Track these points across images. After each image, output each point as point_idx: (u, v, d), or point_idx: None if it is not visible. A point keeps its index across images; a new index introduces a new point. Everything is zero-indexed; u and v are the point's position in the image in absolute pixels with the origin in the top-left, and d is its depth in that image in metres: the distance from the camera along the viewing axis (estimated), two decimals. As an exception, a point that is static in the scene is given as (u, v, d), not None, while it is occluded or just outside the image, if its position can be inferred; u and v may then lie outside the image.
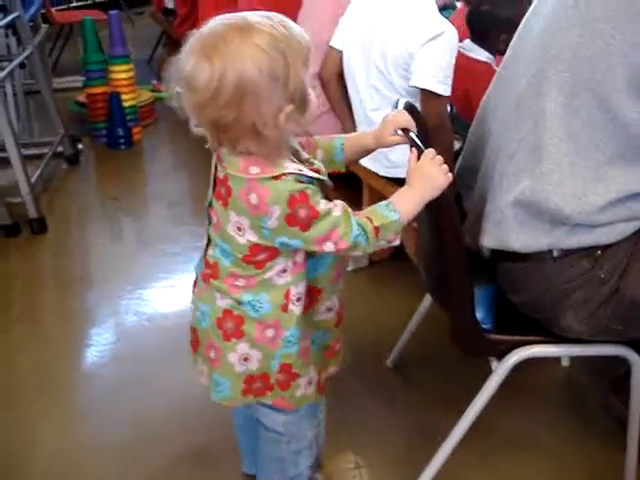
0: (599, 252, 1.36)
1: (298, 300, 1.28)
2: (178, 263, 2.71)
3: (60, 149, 3.57)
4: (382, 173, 2.25)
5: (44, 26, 4.48)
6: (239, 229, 1.21)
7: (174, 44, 4.84)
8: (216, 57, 1.09)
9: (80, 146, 3.76)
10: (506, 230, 1.39)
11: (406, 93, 2.07)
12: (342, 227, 1.20)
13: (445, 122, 2.10)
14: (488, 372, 1.49)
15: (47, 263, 2.84)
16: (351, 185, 2.38)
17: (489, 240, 1.43)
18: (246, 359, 1.30)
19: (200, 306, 1.34)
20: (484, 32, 2.35)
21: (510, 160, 1.41)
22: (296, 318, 1.29)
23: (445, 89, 2.00)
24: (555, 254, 1.38)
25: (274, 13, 1.14)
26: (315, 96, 1.18)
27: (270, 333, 1.29)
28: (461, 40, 2.22)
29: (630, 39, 1.24)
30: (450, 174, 1.26)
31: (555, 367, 2.06)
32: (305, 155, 1.29)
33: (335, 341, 1.43)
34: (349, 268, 2.56)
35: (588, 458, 1.73)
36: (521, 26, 1.50)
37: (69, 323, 2.40)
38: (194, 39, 1.13)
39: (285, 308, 1.28)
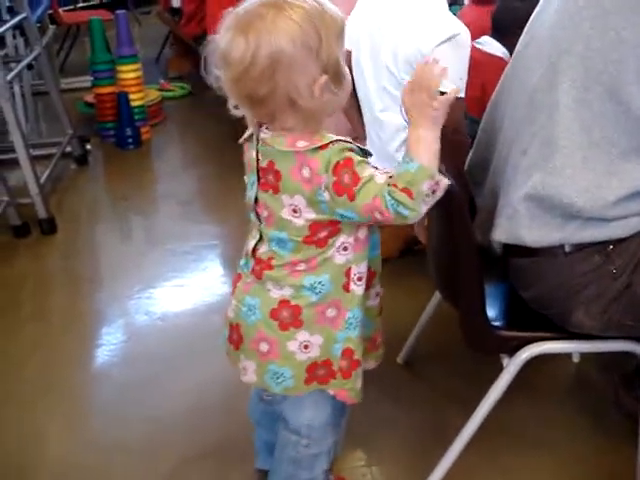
0: (611, 247, 1.35)
1: (360, 279, 1.27)
2: (188, 262, 2.71)
3: (69, 149, 3.58)
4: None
5: (51, 27, 4.50)
6: (294, 211, 1.21)
7: (181, 43, 4.86)
8: (250, 31, 1.12)
9: (88, 146, 3.77)
10: (517, 224, 1.39)
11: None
12: (384, 196, 1.15)
13: (460, 125, 2.09)
14: (499, 369, 1.48)
15: (57, 263, 2.84)
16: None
17: (500, 234, 1.42)
18: (306, 347, 1.29)
19: (248, 300, 1.31)
20: (506, 27, 2.33)
21: (523, 155, 1.40)
22: (358, 299, 1.28)
23: (460, 90, 1.99)
24: (567, 249, 1.37)
25: None
26: None
27: (331, 313, 1.28)
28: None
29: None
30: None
31: (565, 362, 2.05)
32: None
33: (377, 332, 1.42)
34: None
35: (599, 454, 1.72)
36: (531, 20, 1.49)
37: (79, 323, 2.40)
38: (230, 17, 1.15)
39: (347, 287, 1.27)
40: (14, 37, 3.39)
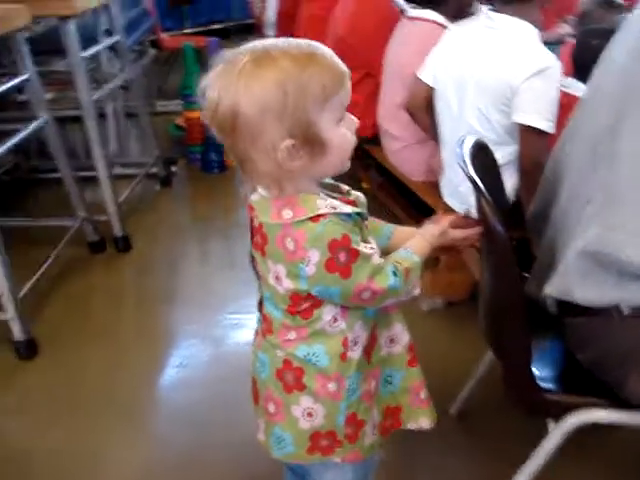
0: None
1: (356, 344, 1.21)
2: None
3: (155, 170, 3.67)
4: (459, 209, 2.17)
5: (152, 50, 4.66)
6: (277, 278, 1.15)
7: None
8: (223, 79, 1.05)
9: (174, 168, 3.86)
10: (570, 280, 1.29)
11: (503, 130, 1.98)
12: (379, 274, 1.13)
13: (543, 161, 2.00)
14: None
15: (129, 281, 2.91)
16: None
17: (551, 289, 1.33)
18: (310, 414, 1.23)
19: (260, 355, 1.28)
20: (585, 67, 2.23)
21: (583, 207, 1.31)
22: (355, 363, 1.21)
23: (550, 126, 1.90)
24: (626, 312, 1.26)
25: (311, 42, 1.07)
26: (350, 134, 1.11)
27: (332, 387, 1.21)
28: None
29: None
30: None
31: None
32: (345, 188, 1.22)
33: (416, 384, 1.33)
34: (424, 308, 2.48)
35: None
36: (601, 61, 1.40)
37: (145, 342, 2.43)
38: (222, 55, 1.08)
39: (344, 357, 1.20)
40: (109, 59, 3.51)
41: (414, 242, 1.26)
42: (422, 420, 1.35)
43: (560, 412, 1.33)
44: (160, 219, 3.45)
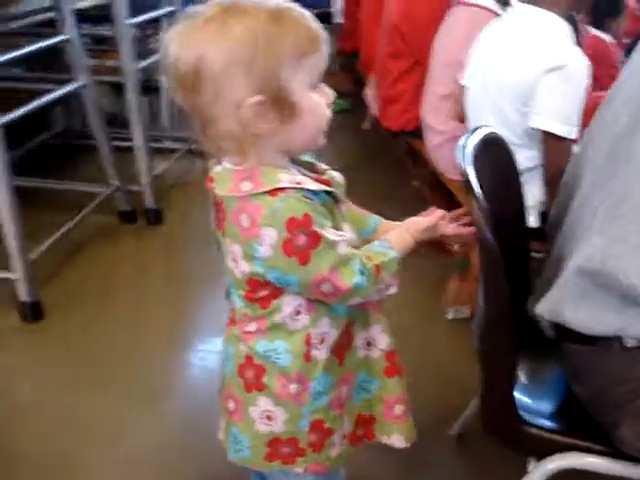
0: None
1: (322, 342, 1.08)
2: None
3: (196, 146, 3.60)
4: None
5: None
6: (234, 260, 1.03)
7: (343, 59, 4.79)
8: (188, 34, 0.95)
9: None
10: (564, 301, 1.12)
11: (522, 131, 1.79)
12: (344, 267, 1.00)
13: None
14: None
15: (155, 254, 2.85)
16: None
17: (542, 309, 1.16)
18: (269, 417, 1.11)
19: (225, 347, 1.17)
20: None
21: (592, 216, 1.14)
22: (322, 364, 1.08)
23: (569, 131, 1.70)
24: (627, 342, 1.09)
25: (289, 2, 0.97)
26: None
27: (294, 389, 1.09)
28: None
29: None
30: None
31: None
32: (323, 167, 1.11)
33: (392, 397, 1.19)
34: (449, 316, 2.32)
35: None
36: (629, 62, 1.22)
37: (164, 318, 2.37)
38: (187, 13, 0.98)
39: (307, 356, 1.07)
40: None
41: (394, 234, 1.13)
42: (395, 437, 1.22)
43: (542, 451, 1.17)
44: (195, 195, 3.35)
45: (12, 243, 2.17)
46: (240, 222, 0.98)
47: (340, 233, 1.02)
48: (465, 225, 1.19)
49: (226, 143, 0.98)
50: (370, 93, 3.06)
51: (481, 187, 1.14)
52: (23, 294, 2.22)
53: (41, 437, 1.84)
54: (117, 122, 3.31)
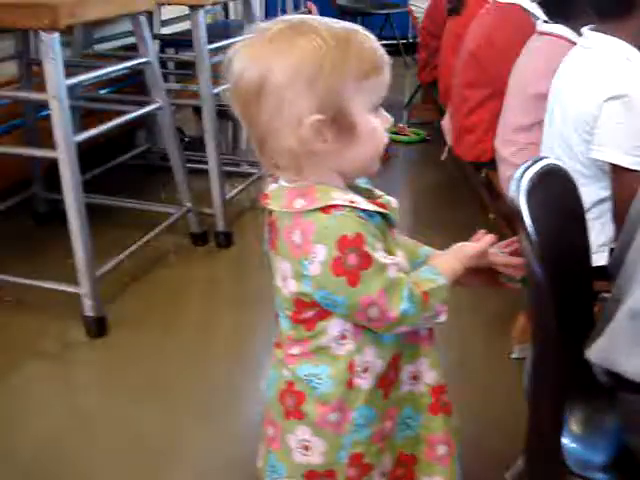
0: None
1: (365, 371, 1.04)
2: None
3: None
4: None
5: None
6: (284, 279, 1.02)
7: (427, 89, 4.76)
8: (255, 48, 0.97)
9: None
10: (615, 345, 1.04)
11: (589, 162, 1.70)
12: (392, 292, 0.98)
13: None
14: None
15: (223, 276, 2.87)
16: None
17: (591, 353, 1.08)
18: (307, 447, 1.08)
19: (270, 373, 1.15)
20: None
21: None
22: (365, 394, 1.05)
23: (636, 162, 1.60)
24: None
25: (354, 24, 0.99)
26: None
27: (334, 417, 1.05)
28: None
29: None
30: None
31: None
32: (379, 193, 1.09)
33: (435, 436, 1.14)
34: (514, 355, 2.22)
35: None
36: None
37: (232, 341, 2.38)
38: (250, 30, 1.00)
39: (350, 383, 1.04)
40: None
41: (443, 260, 1.10)
42: (436, 478, 1.15)
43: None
44: (267, 219, 3.39)
45: (80, 258, 2.22)
46: (292, 239, 0.97)
47: (392, 257, 1.00)
48: (516, 255, 1.14)
49: (282, 160, 0.98)
50: (446, 123, 3.01)
51: (534, 219, 1.08)
52: (88, 309, 2.26)
53: (99, 448, 1.87)
54: (200, 146, 3.38)
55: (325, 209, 0.95)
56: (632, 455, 1.12)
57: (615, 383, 1.10)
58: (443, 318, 1.05)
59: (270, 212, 1.04)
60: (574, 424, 1.22)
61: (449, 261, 1.09)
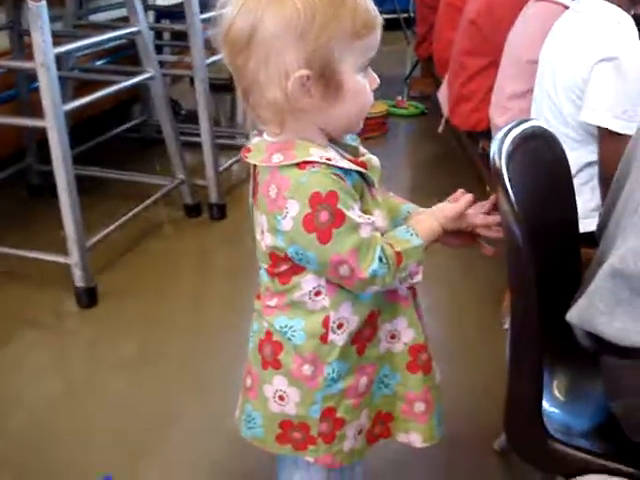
0: None
1: (340, 327, 1.04)
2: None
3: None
4: None
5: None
6: (262, 232, 1.02)
7: (426, 64, 4.71)
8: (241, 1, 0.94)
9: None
10: (598, 306, 1.02)
11: (578, 126, 1.68)
12: (364, 252, 0.97)
13: None
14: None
15: (215, 248, 2.85)
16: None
17: (572, 315, 1.06)
18: (282, 398, 1.09)
19: (253, 323, 1.15)
20: None
21: (633, 214, 1.03)
22: (339, 350, 1.05)
23: (625, 126, 1.57)
24: (668, 359, 0.98)
25: None
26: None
27: (308, 370, 1.06)
28: None
29: None
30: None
31: None
32: (363, 150, 1.08)
33: (413, 394, 1.14)
34: (505, 326, 2.20)
35: None
36: None
37: (223, 311, 2.35)
38: None
39: (324, 338, 1.04)
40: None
41: (421, 220, 1.08)
42: (413, 435, 1.16)
43: (570, 471, 1.07)
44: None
45: (70, 228, 2.21)
46: (269, 193, 0.97)
47: (367, 217, 0.99)
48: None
49: (266, 112, 0.97)
50: (442, 93, 2.97)
51: (514, 181, 1.06)
52: (78, 279, 2.25)
53: (91, 417, 1.87)
54: (196, 119, 3.36)
55: (301, 165, 0.95)
56: (616, 421, 1.11)
57: (597, 347, 1.09)
58: (418, 279, 1.04)
59: (254, 166, 1.03)
60: (556, 389, 1.21)
61: (427, 221, 1.08)
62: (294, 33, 0.92)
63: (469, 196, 1.11)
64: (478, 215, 1.11)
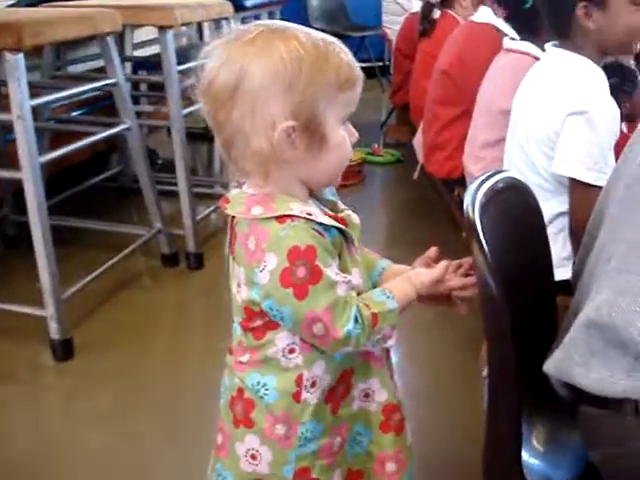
0: None
1: (313, 385, 1.03)
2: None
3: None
4: None
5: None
6: (238, 285, 1.02)
7: (402, 111, 4.78)
8: (231, 48, 0.96)
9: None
10: (573, 357, 1.02)
11: (550, 177, 1.70)
12: (340, 311, 0.96)
13: None
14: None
15: (193, 299, 2.83)
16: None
17: (549, 366, 1.06)
18: (254, 457, 1.07)
19: (224, 379, 1.14)
20: None
21: (606, 264, 1.04)
22: (312, 408, 1.04)
23: (597, 177, 1.59)
24: (643, 408, 0.98)
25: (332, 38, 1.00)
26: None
27: (281, 429, 1.04)
28: None
29: None
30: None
31: None
32: (342, 206, 1.08)
33: (385, 454, 1.13)
34: (484, 374, 2.20)
35: None
36: None
37: (202, 364, 2.28)
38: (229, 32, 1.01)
39: (297, 397, 1.03)
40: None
41: (398, 284, 1.08)
42: None
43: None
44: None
45: (45, 280, 2.19)
46: (247, 245, 0.97)
47: (344, 275, 0.99)
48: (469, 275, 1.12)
49: (250, 163, 0.98)
50: (417, 141, 3.02)
51: (488, 232, 1.07)
52: (54, 332, 2.23)
53: (66, 471, 1.83)
54: (173, 168, 3.38)
55: (281, 218, 0.95)
56: (595, 471, 1.11)
57: (574, 397, 1.09)
58: (391, 342, 1.04)
59: (233, 217, 1.03)
60: (535, 439, 1.21)
61: (404, 286, 1.07)
62: (282, 84, 0.93)
63: (444, 263, 1.10)
64: (454, 278, 1.11)
